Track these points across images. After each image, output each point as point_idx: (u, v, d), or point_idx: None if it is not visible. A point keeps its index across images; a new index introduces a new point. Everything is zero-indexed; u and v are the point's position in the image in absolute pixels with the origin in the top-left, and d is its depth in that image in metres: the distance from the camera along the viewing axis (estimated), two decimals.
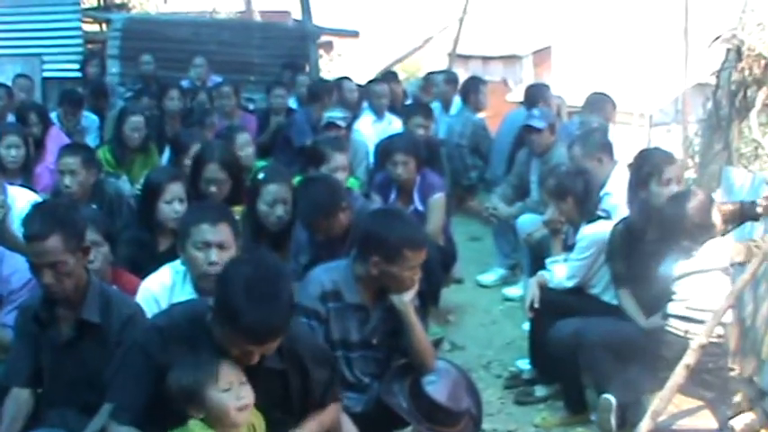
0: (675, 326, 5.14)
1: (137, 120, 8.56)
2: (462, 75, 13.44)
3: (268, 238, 5.73)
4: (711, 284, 5.06)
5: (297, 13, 16.22)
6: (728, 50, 9.18)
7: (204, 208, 4.94)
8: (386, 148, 7.29)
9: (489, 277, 8.30)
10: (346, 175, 6.62)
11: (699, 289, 5.05)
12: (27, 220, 4.19)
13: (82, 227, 4.28)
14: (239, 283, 3.31)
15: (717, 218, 5.21)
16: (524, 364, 6.42)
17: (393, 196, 7.15)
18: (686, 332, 5.00)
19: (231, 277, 3.38)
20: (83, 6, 14.62)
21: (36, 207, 4.43)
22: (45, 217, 4.11)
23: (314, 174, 6.44)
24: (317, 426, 3.85)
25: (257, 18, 17.42)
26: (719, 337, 5.09)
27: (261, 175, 5.94)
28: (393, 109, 10.29)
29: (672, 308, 5.16)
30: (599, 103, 8.67)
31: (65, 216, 4.16)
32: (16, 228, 6.20)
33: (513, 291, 7.90)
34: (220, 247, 4.37)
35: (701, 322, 4.98)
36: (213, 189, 6.06)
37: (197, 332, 3.52)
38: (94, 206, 6.30)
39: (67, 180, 6.47)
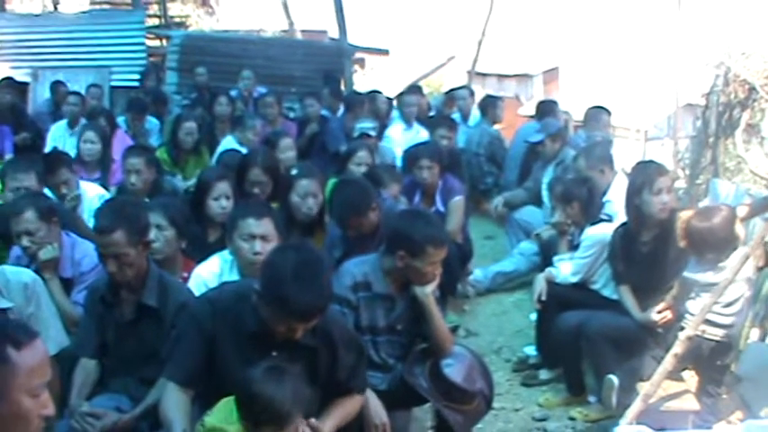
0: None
1: (190, 125, 8.61)
2: (479, 91, 13.42)
3: (299, 229, 5.75)
4: (733, 292, 4.99)
5: (333, 32, 16.27)
6: (717, 76, 9.18)
7: (250, 204, 4.97)
8: (413, 155, 7.28)
9: None
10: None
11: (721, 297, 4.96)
12: (97, 215, 4.27)
13: (144, 223, 4.35)
14: (286, 268, 3.38)
15: (741, 231, 5.15)
16: (531, 351, 6.41)
17: (418, 198, 7.14)
18: (703, 332, 4.94)
19: (278, 262, 3.44)
20: (147, 24, 14.64)
21: (105, 203, 4.52)
22: (112, 213, 4.18)
23: (347, 176, 6.46)
24: (341, 414, 3.84)
25: (299, 36, 17.43)
26: (727, 336, 5.05)
27: (294, 171, 6.00)
28: (418, 119, 10.26)
29: (691, 306, 5.09)
30: (596, 116, 8.89)
31: (130, 213, 4.22)
32: (87, 218, 6.28)
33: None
34: (264, 238, 4.41)
35: (717, 325, 4.98)
36: (256, 190, 6.09)
37: (243, 307, 3.59)
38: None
39: (132, 178, 6.53)
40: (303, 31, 17.86)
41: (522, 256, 7.75)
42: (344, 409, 3.87)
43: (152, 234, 4.67)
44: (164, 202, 5.24)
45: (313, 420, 3.53)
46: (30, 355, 2.47)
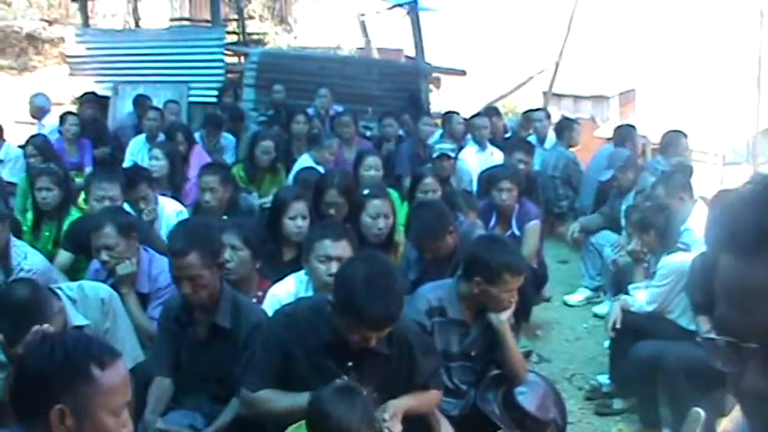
0: None
1: (267, 144, 8.65)
2: (555, 112, 13.29)
3: (367, 246, 5.71)
4: None
5: (409, 50, 16.29)
6: None
7: (327, 226, 4.97)
8: (492, 177, 7.26)
9: (575, 297, 8.16)
10: None
11: None
12: (171, 236, 4.31)
13: (218, 244, 4.39)
14: (359, 279, 3.45)
15: None
16: (604, 379, 6.30)
17: (493, 221, 7.10)
18: None
19: (351, 274, 3.53)
20: (226, 41, 14.79)
21: (180, 225, 4.56)
22: (186, 235, 4.22)
23: (425, 199, 6.46)
24: (414, 401, 3.89)
25: (375, 53, 17.46)
26: None
27: (366, 191, 6.02)
28: (494, 141, 10.20)
29: None
30: (675, 140, 8.74)
31: (204, 235, 4.27)
32: (164, 233, 6.36)
33: (602, 308, 7.76)
34: (340, 260, 4.38)
35: None
36: (332, 211, 6.08)
37: (318, 319, 3.68)
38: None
39: (207, 196, 6.58)
40: (379, 49, 17.89)
41: None
42: (422, 397, 3.94)
43: (226, 255, 4.70)
44: (239, 223, 5.28)
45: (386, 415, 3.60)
46: (113, 375, 2.50)
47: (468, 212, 6.42)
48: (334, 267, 4.34)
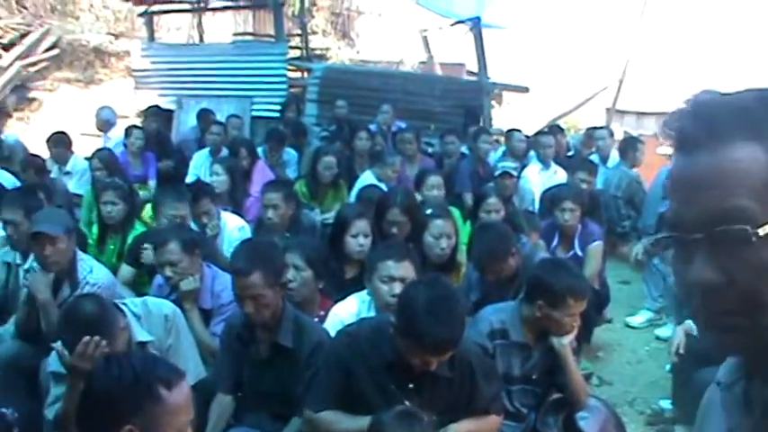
0: None
1: (329, 160, 8.66)
2: (617, 128, 13.17)
3: (432, 269, 5.68)
4: None
5: (471, 64, 16.27)
6: None
7: (390, 246, 4.95)
8: (555, 197, 7.22)
9: (637, 319, 8.07)
10: None
11: None
12: (235, 256, 4.35)
13: (281, 264, 4.41)
14: (421, 303, 3.45)
15: None
16: (667, 404, 6.21)
17: (556, 241, 7.05)
18: None
19: (413, 297, 3.53)
20: (289, 56, 14.90)
21: (243, 244, 4.58)
22: (249, 255, 4.24)
23: (488, 221, 6.44)
24: (474, 426, 3.90)
25: (437, 67, 17.43)
26: None
27: (429, 211, 6.03)
28: (557, 159, 10.14)
29: None
30: None
31: (267, 255, 4.28)
32: (226, 248, 6.42)
33: (664, 331, 7.65)
34: (402, 281, 4.41)
35: None
36: (394, 230, 6.07)
37: (380, 339, 3.70)
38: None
39: (270, 213, 6.61)
40: (442, 64, 17.87)
41: None
42: (482, 422, 3.94)
43: (289, 274, 4.74)
44: (302, 243, 5.30)
45: None
46: (179, 395, 2.55)
47: (530, 233, 6.39)
48: (397, 288, 4.37)
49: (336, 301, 4.92)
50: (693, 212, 1.24)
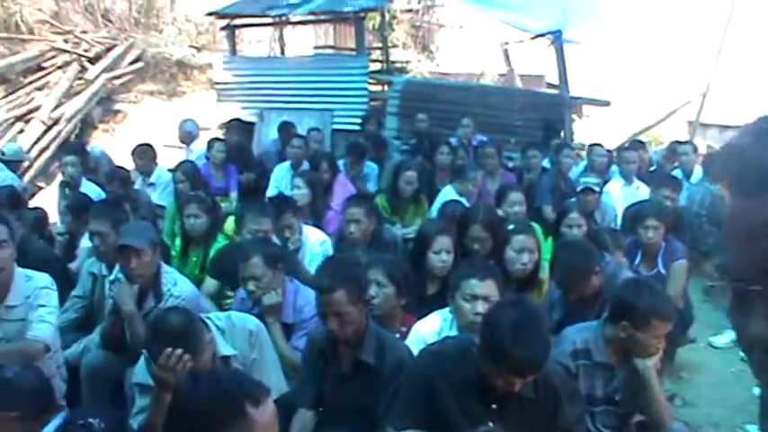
0: None
1: (410, 174, 8.64)
2: (700, 142, 12.96)
3: (513, 285, 5.67)
4: None
5: (550, 76, 16.20)
6: None
7: (473, 265, 4.92)
8: (638, 214, 7.10)
9: (722, 339, 7.90)
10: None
11: None
12: (318, 272, 4.39)
13: (364, 282, 4.45)
14: (506, 325, 3.45)
15: None
16: (753, 428, 6.06)
17: (638, 259, 6.94)
18: None
19: (498, 319, 3.52)
20: (369, 69, 14.95)
21: (327, 261, 4.63)
22: (333, 272, 4.27)
23: (571, 239, 6.38)
24: None
25: (517, 80, 17.37)
26: None
27: (511, 226, 5.98)
28: (639, 175, 10.00)
29: None
30: None
31: (350, 272, 4.31)
32: (308, 262, 6.45)
33: None
34: (486, 299, 4.40)
35: None
36: (476, 246, 6.05)
37: (464, 359, 3.71)
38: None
39: (352, 228, 6.62)
40: (521, 76, 17.82)
41: None
42: None
43: (372, 290, 4.75)
44: (384, 259, 5.29)
45: None
46: (265, 412, 2.57)
47: (615, 252, 6.30)
48: (480, 306, 4.37)
49: (418, 318, 4.92)
50: (751, 260, 1.16)
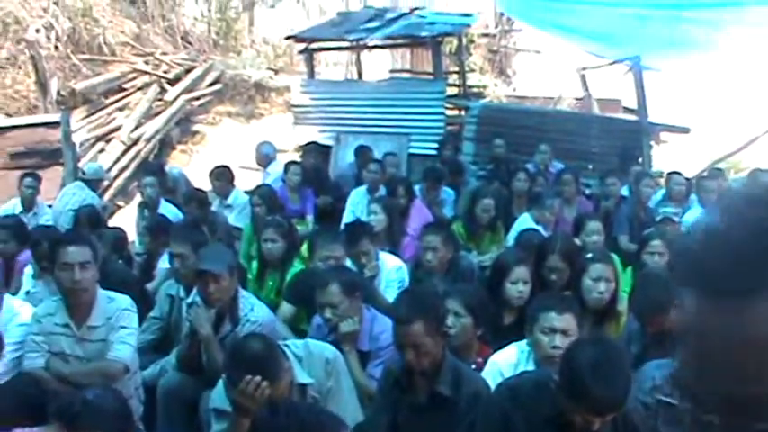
0: None
1: (487, 202, 8.59)
2: None
3: (590, 315, 5.59)
4: None
5: (627, 101, 16.04)
6: None
7: (551, 297, 4.90)
8: None
9: None
10: None
11: None
12: (396, 303, 4.39)
13: (443, 313, 4.43)
14: (586, 363, 3.40)
15: None
16: None
17: None
18: None
19: (578, 357, 3.47)
20: (446, 94, 14.96)
21: (404, 292, 4.65)
22: (411, 303, 4.27)
23: (650, 270, 6.28)
24: None
25: (594, 104, 17.20)
26: None
27: (589, 255, 5.95)
28: None
29: None
30: None
31: (428, 303, 4.31)
32: (383, 288, 6.46)
33: None
34: (564, 333, 4.38)
35: None
36: (554, 277, 6.00)
37: (541, 394, 3.67)
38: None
39: (429, 255, 6.61)
40: (598, 100, 17.66)
41: None
42: None
43: (449, 321, 4.74)
44: (462, 289, 5.29)
45: None
46: None
47: None
48: (558, 340, 4.33)
49: (495, 348, 4.89)
50: (711, 386, 0.95)
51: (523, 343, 4.65)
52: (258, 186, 9.47)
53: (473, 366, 4.76)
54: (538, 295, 5.40)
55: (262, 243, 6.95)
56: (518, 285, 5.67)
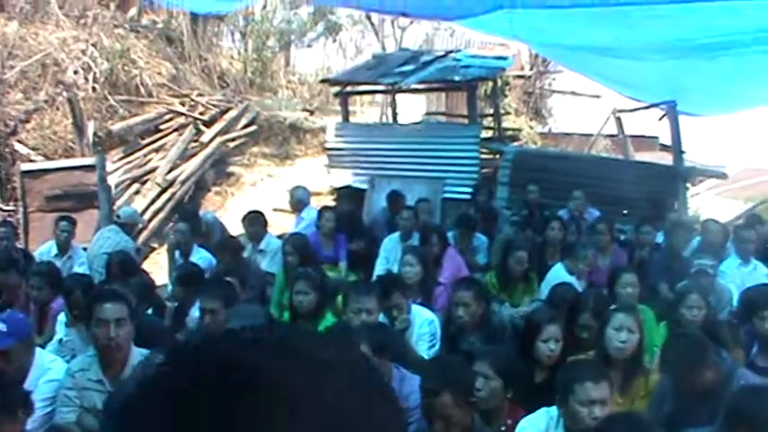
0: None
1: (521, 255, 8.57)
2: None
3: (614, 368, 5.47)
4: None
5: (664, 137, 16.03)
6: None
7: (587, 365, 4.86)
8: (755, 301, 6.63)
9: None
10: None
11: None
12: (424, 373, 4.41)
13: (471, 382, 4.41)
14: None
15: None
16: None
17: (755, 350, 6.63)
18: None
19: None
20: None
21: (432, 362, 4.63)
22: (439, 373, 4.27)
23: (685, 327, 6.24)
24: None
25: (630, 145, 17.12)
26: None
27: (613, 306, 5.96)
28: (757, 255, 9.68)
29: None
30: None
31: (457, 373, 4.33)
32: (415, 341, 6.46)
33: None
34: (603, 403, 4.32)
35: None
36: (585, 335, 5.99)
37: None
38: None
39: (461, 311, 6.60)
40: (633, 137, 17.61)
41: None
42: None
43: (478, 383, 4.72)
44: (492, 351, 5.28)
45: None
46: None
47: (733, 349, 5.98)
48: (597, 410, 4.29)
49: (524, 406, 4.87)
50: None
51: (553, 408, 4.62)
52: (291, 235, 9.52)
53: (503, 429, 4.75)
54: (568, 362, 5.37)
55: (293, 295, 6.98)
56: (549, 344, 5.65)
